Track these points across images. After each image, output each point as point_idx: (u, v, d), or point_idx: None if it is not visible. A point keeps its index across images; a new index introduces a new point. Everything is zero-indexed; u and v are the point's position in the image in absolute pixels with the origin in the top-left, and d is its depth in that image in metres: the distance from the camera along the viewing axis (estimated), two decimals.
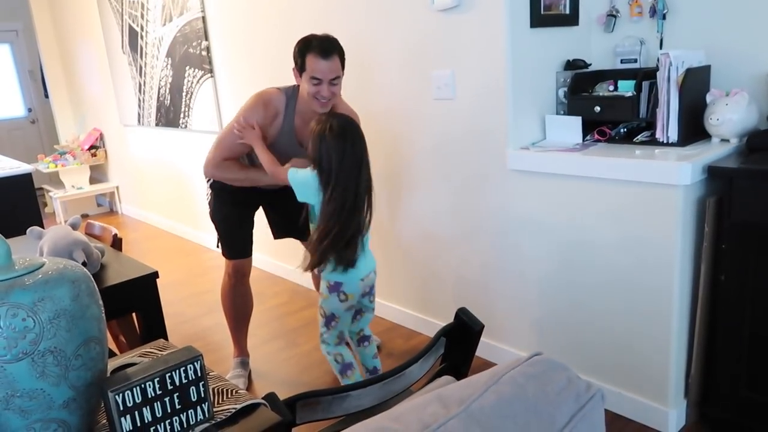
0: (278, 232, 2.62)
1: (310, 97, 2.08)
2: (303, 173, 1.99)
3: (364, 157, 1.96)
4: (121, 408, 0.94)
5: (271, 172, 2.12)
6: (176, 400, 1.00)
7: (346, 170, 1.90)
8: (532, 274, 2.28)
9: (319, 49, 2.03)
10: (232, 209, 2.41)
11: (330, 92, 2.07)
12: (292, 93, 2.21)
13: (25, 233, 2.01)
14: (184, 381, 1.00)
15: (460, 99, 2.35)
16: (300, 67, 2.10)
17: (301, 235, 2.60)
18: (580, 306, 2.14)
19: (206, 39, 3.83)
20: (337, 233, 1.92)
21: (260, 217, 2.57)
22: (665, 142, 1.96)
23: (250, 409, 1.10)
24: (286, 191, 2.43)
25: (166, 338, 1.88)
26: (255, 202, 2.45)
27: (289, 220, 2.36)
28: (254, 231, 2.49)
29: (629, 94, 2.06)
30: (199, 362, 1.02)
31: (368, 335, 2.26)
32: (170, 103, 4.46)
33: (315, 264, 2.00)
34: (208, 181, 2.46)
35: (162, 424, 0.99)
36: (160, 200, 5.18)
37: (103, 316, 1.02)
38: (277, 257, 3.73)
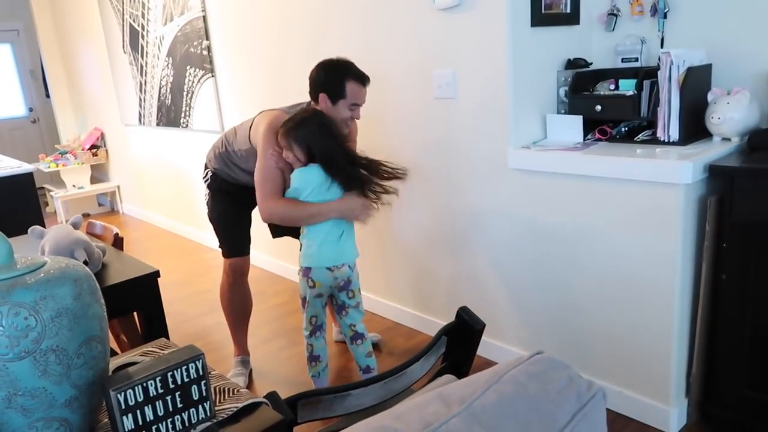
0: (276, 230, 2.62)
1: (344, 121, 2.14)
2: (302, 176, 2.07)
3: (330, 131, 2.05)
4: (123, 407, 0.94)
5: (319, 212, 2.11)
6: (178, 399, 1.00)
7: (324, 139, 2.03)
8: (533, 272, 2.28)
9: (358, 77, 2.11)
10: (229, 208, 2.42)
11: (359, 114, 2.18)
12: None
13: (26, 233, 2.02)
14: (185, 380, 1.00)
15: (461, 98, 2.35)
16: (336, 94, 2.10)
17: (299, 234, 2.61)
18: (581, 305, 2.14)
19: (207, 38, 3.83)
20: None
21: (256, 215, 2.58)
22: (666, 141, 1.96)
23: (251, 408, 1.10)
24: None
25: (167, 337, 1.88)
26: (252, 200, 2.45)
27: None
28: (254, 231, 2.50)
29: (630, 93, 2.06)
30: (200, 361, 1.02)
31: (361, 333, 2.23)
32: (171, 102, 4.46)
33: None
34: (205, 181, 2.48)
35: (163, 422, 0.99)
36: (161, 200, 5.18)
37: (104, 314, 1.02)
38: (277, 256, 3.73)
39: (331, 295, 2.21)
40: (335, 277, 2.12)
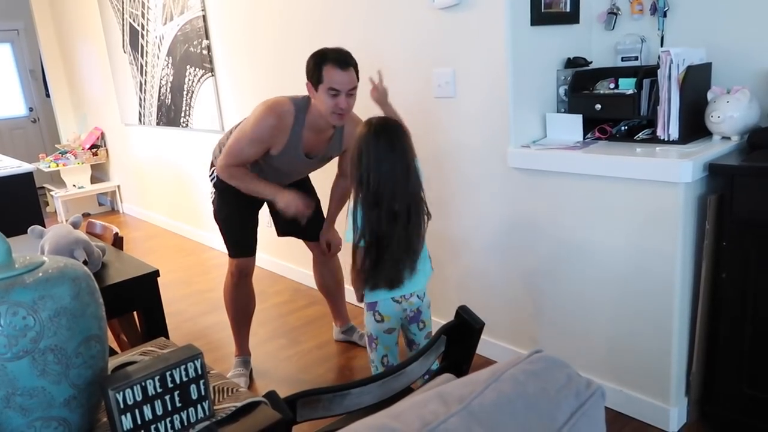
0: (282, 230, 2.62)
1: (328, 110, 2.07)
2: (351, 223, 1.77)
3: (407, 160, 1.72)
4: (122, 406, 0.94)
5: (263, 192, 2.12)
6: (177, 398, 1.00)
7: (389, 176, 1.68)
8: (533, 271, 2.27)
9: (336, 61, 2.03)
10: (236, 209, 2.41)
11: (347, 104, 2.07)
12: (303, 104, 2.17)
13: (26, 232, 2.02)
14: (184, 379, 1.00)
15: (461, 97, 2.35)
16: (316, 80, 2.06)
17: (305, 234, 2.61)
18: (580, 304, 2.14)
19: (207, 38, 3.83)
20: (389, 254, 1.72)
21: (261, 216, 2.57)
22: (666, 139, 1.96)
23: (250, 407, 1.10)
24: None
25: (167, 337, 1.88)
26: (259, 200, 2.45)
27: (293, 218, 2.36)
28: (257, 233, 2.50)
29: (630, 91, 2.06)
30: (199, 360, 1.02)
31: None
32: (171, 102, 4.46)
33: (362, 290, 1.83)
34: (212, 181, 2.46)
35: (162, 422, 0.99)
36: (162, 199, 5.18)
37: (103, 314, 1.02)
38: (278, 256, 3.73)
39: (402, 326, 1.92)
40: (405, 309, 1.85)
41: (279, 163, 2.26)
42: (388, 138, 1.69)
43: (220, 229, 2.46)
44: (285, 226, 2.58)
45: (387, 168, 1.68)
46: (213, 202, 2.45)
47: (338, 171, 2.52)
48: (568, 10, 2.25)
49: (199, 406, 1.03)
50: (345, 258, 2.27)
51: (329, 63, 2.03)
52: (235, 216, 2.42)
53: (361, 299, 1.86)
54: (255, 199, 2.39)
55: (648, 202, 1.87)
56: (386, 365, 1.90)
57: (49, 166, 5.54)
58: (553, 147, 2.12)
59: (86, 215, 5.79)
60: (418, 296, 1.87)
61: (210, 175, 2.47)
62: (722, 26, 2.04)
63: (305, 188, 2.52)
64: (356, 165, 1.71)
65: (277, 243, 3.57)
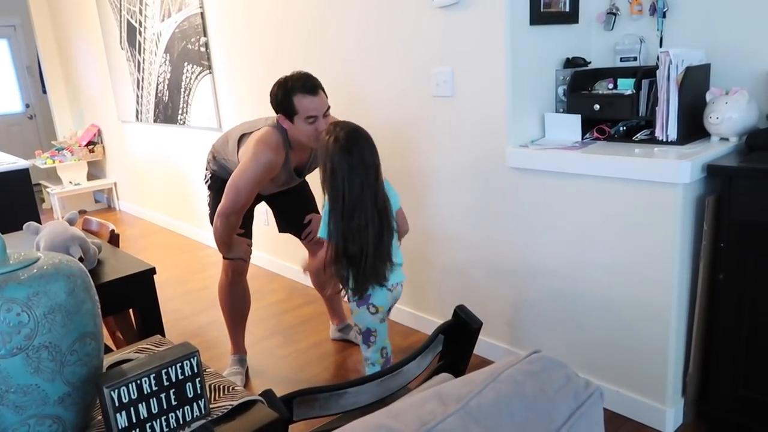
0: (282, 227, 2.63)
1: (310, 137, 2.06)
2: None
3: (374, 166, 1.79)
4: (117, 404, 0.93)
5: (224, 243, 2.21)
6: (172, 397, 0.99)
7: (358, 186, 1.74)
8: (531, 272, 2.27)
9: (304, 89, 2.02)
10: None
11: (326, 124, 2.04)
12: (283, 129, 2.16)
13: (21, 229, 2.00)
14: (180, 377, 1.00)
15: (460, 96, 2.34)
16: (290, 112, 2.04)
17: (301, 231, 2.61)
18: (578, 304, 2.14)
19: (205, 35, 3.82)
20: (365, 260, 1.78)
21: (258, 215, 2.57)
22: (664, 140, 1.95)
23: (246, 406, 1.09)
24: (289, 192, 2.43)
25: (163, 334, 1.87)
26: (255, 200, 2.44)
27: (293, 216, 2.35)
28: (252, 226, 2.49)
29: (629, 92, 2.05)
30: (195, 358, 1.01)
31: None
32: (168, 99, 4.45)
33: (331, 286, 1.95)
34: (206, 183, 2.47)
35: (158, 420, 0.98)
36: (158, 197, 5.17)
37: (98, 311, 1.01)
38: (275, 254, 3.72)
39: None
40: (392, 297, 1.93)
41: (273, 184, 2.30)
42: (360, 153, 1.75)
43: None
44: (284, 223, 2.59)
45: (360, 182, 1.74)
46: (208, 204, 2.46)
47: None
48: (567, 10, 2.25)
49: (194, 405, 1.03)
50: None
51: (298, 92, 2.02)
52: None
53: (320, 286, 1.96)
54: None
55: (646, 203, 1.87)
56: (385, 357, 1.96)
57: (45, 163, 5.52)
58: (551, 147, 2.11)
59: (82, 212, 5.77)
60: (401, 285, 1.97)
61: (204, 179, 2.48)
62: (721, 27, 2.04)
63: (303, 193, 2.54)
64: (328, 180, 1.76)
65: (274, 241, 3.56)
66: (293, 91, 2.02)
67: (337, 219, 1.78)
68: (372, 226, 1.77)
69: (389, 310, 1.99)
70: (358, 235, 1.77)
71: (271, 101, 2.10)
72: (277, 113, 2.10)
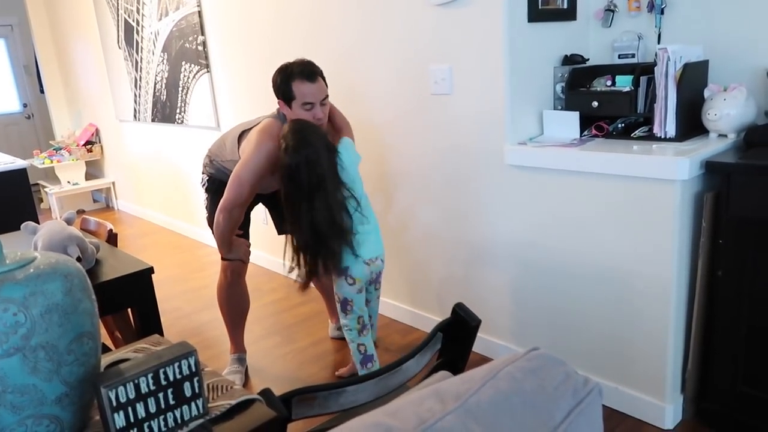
0: (282, 229, 2.62)
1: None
2: None
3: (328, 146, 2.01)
4: (114, 404, 0.93)
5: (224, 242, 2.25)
6: (170, 396, 0.99)
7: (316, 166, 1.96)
8: (529, 269, 2.27)
9: (303, 75, 2.04)
10: None
11: (323, 113, 2.09)
12: (284, 119, 2.16)
13: (19, 228, 2.00)
14: (178, 377, 0.99)
15: (458, 94, 2.34)
16: (288, 97, 2.07)
17: None
18: (577, 301, 2.14)
19: (202, 34, 3.81)
20: (323, 249, 2.01)
21: (256, 214, 2.56)
22: (663, 137, 1.95)
23: (245, 405, 1.09)
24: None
25: (161, 334, 1.87)
26: (252, 203, 2.44)
27: None
28: (249, 228, 2.48)
29: (627, 89, 2.05)
30: (193, 358, 1.01)
31: (371, 324, 2.25)
32: (166, 98, 4.44)
33: (308, 279, 2.10)
34: (203, 186, 2.46)
35: (156, 420, 0.98)
36: (157, 196, 5.16)
37: (96, 310, 1.01)
38: (273, 253, 3.71)
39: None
40: (371, 271, 2.13)
41: (274, 178, 2.26)
42: (304, 136, 1.97)
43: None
44: (284, 224, 2.58)
45: (314, 158, 1.95)
46: (206, 207, 2.45)
47: (334, 129, 2.36)
48: (565, 6, 2.25)
49: (193, 404, 1.02)
50: None
51: (297, 78, 2.04)
52: None
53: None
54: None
55: (644, 200, 1.87)
56: (362, 324, 2.17)
57: (43, 163, 5.51)
58: (549, 144, 2.11)
59: (81, 212, 5.77)
60: (381, 260, 2.17)
61: (201, 182, 2.47)
62: (719, 24, 2.03)
63: None
64: (285, 180, 1.98)
65: (273, 240, 3.56)
66: (293, 77, 2.05)
67: (287, 213, 2.02)
68: (315, 211, 1.98)
69: (373, 283, 2.21)
70: (303, 223, 2.00)
71: (273, 86, 2.12)
72: (277, 98, 2.12)
